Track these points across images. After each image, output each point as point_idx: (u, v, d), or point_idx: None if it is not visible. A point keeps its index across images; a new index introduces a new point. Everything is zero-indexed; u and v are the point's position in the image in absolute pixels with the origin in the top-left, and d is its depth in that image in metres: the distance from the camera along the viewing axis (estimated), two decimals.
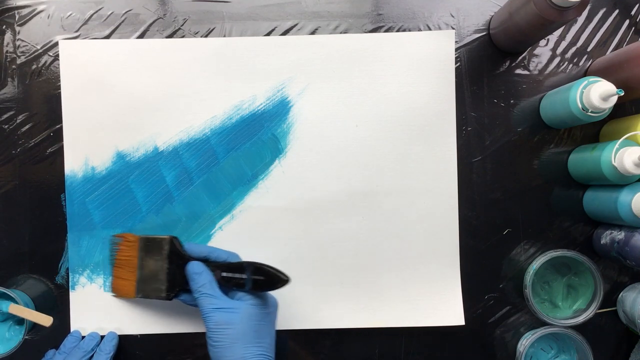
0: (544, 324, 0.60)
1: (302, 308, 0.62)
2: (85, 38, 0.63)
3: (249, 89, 0.62)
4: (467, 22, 0.63)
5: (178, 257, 0.57)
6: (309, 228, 0.62)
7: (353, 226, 0.62)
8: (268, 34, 0.63)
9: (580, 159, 0.61)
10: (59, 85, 0.62)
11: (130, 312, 0.62)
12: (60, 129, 0.62)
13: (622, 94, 0.51)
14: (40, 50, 0.63)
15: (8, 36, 0.63)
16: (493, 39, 0.63)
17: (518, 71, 0.63)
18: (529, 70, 0.63)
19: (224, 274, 0.55)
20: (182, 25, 0.63)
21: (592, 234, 0.63)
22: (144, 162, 0.62)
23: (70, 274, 0.62)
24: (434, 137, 0.62)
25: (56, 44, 0.62)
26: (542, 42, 0.63)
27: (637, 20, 0.64)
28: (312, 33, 0.63)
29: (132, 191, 0.62)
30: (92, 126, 0.62)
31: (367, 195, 0.62)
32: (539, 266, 0.60)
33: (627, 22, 0.64)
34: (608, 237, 0.60)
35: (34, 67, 0.63)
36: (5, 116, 0.62)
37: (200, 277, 0.55)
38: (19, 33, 0.63)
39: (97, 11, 0.63)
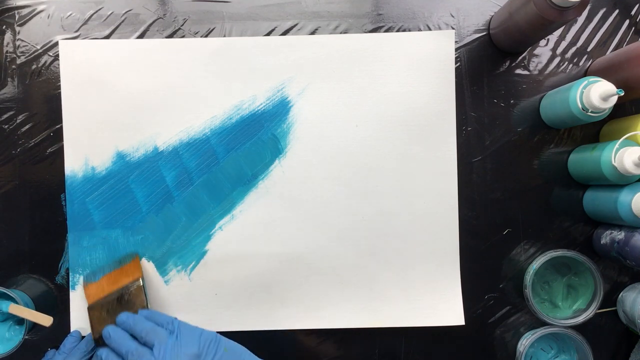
0: (544, 324, 0.60)
1: (302, 308, 0.62)
2: (85, 38, 0.63)
3: (249, 89, 0.62)
4: (467, 22, 0.63)
5: None
6: (309, 228, 0.62)
7: (353, 226, 0.62)
8: (268, 34, 0.63)
9: (580, 159, 0.61)
10: (59, 85, 0.62)
11: None
12: (60, 129, 0.62)
13: (622, 94, 0.51)
14: (40, 50, 0.63)
15: (8, 36, 0.63)
16: (493, 39, 0.63)
17: (518, 71, 0.63)
18: (529, 70, 0.63)
19: None
20: (182, 25, 0.63)
21: (592, 234, 0.63)
22: (144, 162, 0.62)
23: (70, 273, 0.62)
24: (434, 137, 0.62)
25: (56, 44, 0.62)
26: (542, 42, 0.63)
27: (637, 20, 0.64)
28: (312, 33, 0.63)
29: (132, 191, 0.62)
30: (92, 126, 0.62)
31: (367, 195, 0.62)
32: (539, 266, 0.60)
33: (627, 22, 0.64)
34: (608, 237, 0.60)
35: (34, 67, 0.63)
36: (5, 116, 0.62)
37: None
38: (19, 33, 0.63)
39: (97, 11, 0.63)
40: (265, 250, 0.62)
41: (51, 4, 0.63)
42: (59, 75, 0.62)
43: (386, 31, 0.63)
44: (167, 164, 0.62)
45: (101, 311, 0.58)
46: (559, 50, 0.63)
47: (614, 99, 0.53)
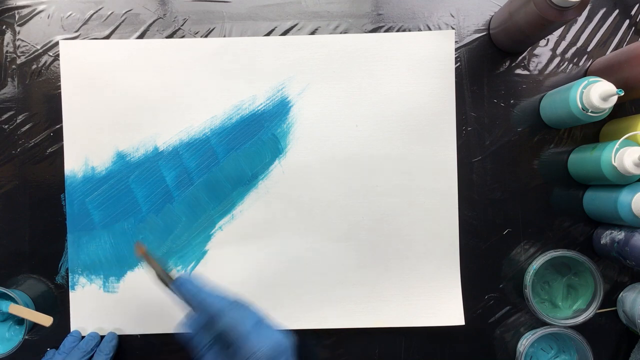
0: (544, 324, 0.60)
1: (302, 308, 0.62)
2: (85, 38, 0.63)
3: (249, 89, 0.62)
4: (467, 22, 0.63)
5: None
6: (309, 228, 0.62)
7: (353, 226, 0.62)
8: (268, 34, 0.63)
9: (580, 159, 0.61)
10: (59, 85, 0.62)
11: (130, 312, 0.62)
12: (60, 129, 0.62)
13: (622, 94, 0.51)
14: (40, 50, 0.63)
15: (8, 36, 0.63)
16: (493, 39, 0.63)
17: (518, 71, 0.63)
18: (529, 70, 0.63)
19: None
20: (182, 25, 0.63)
21: (592, 234, 0.63)
22: (144, 162, 0.62)
23: (69, 274, 0.62)
24: (434, 137, 0.62)
25: (56, 44, 0.62)
26: (542, 42, 0.63)
27: (637, 20, 0.64)
28: (312, 33, 0.63)
29: (132, 191, 0.62)
30: (92, 126, 0.62)
31: (367, 195, 0.62)
32: (539, 266, 0.60)
33: (627, 22, 0.64)
34: (608, 237, 0.60)
35: (34, 67, 0.63)
36: (5, 116, 0.62)
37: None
38: (19, 33, 0.63)
39: (97, 11, 0.63)
40: (265, 250, 0.62)
41: (51, 4, 0.63)
42: (59, 75, 0.62)
43: (386, 31, 0.63)
44: (167, 164, 0.62)
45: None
46: (559, 50, 0.63)
47: (614, 99, 0.53)
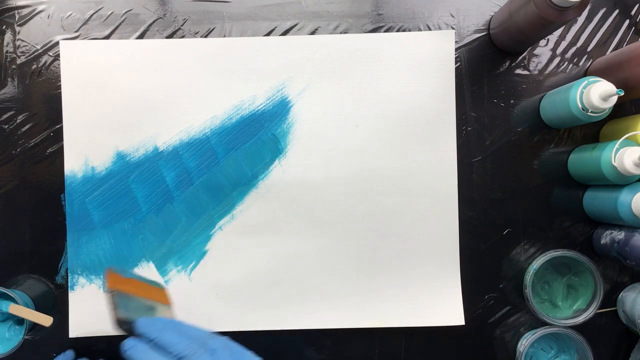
0: (544, 324, 0.60)
1: (302, 308, 0.62)
2: (85, 38, 0.63)
3: (249, 89, 0.62)
4: (467, 22, 0.63)
5: None
6: (309, 228, 0.62)
7: (353, 226, 0.62)
8: (268, 34, 0.63)
9: (580, 159, 0.61)
10: (59, 85, 0.62)
11: None
12: (60, 129, 0.62)
13: (622, 94, 0.51)
14: (40, 50, 0.63)
15: (8, 36, 0.63)
16: (493, 39, 0.63)
17: (518, 71, 0.63)
18: (529, 70, 0.63)
19: None
20: (182, 25, 0.63)
21: (592, 234, 0.63)
22: (144, 162, 0.62)
23: (69, 274, 0.62)
24: (434, 137, 0.62)
25: (56, 44, 0.62)
26: (542, 42, 0.63)
27: (637, 20, 0.64)
28: (312, 33, 0.63)
29: (132, 191, 0.62)
30: (92, 126, 0.62)
31: (367, 195, 0.62)
32: (539, 266, 0.60)
33: (627, 22, 0.64)
34: (608, 237, 0.60)
35: (34, 67, 0.63)
36: (5, 116, 0.62)
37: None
38: (19, 33, 0.63)
39: (97, 11, 0.63)
40: (265, 250, 0.62)
41: (51, 4, 0.63)
42: (59, 75, 0.62)
43: (386, 31, 0.63)
44: (167, 164, 0.62)
45: (128, 300, 0.51)
46: (559, 50, 0.63)
47: (614, 99, 0.53)
